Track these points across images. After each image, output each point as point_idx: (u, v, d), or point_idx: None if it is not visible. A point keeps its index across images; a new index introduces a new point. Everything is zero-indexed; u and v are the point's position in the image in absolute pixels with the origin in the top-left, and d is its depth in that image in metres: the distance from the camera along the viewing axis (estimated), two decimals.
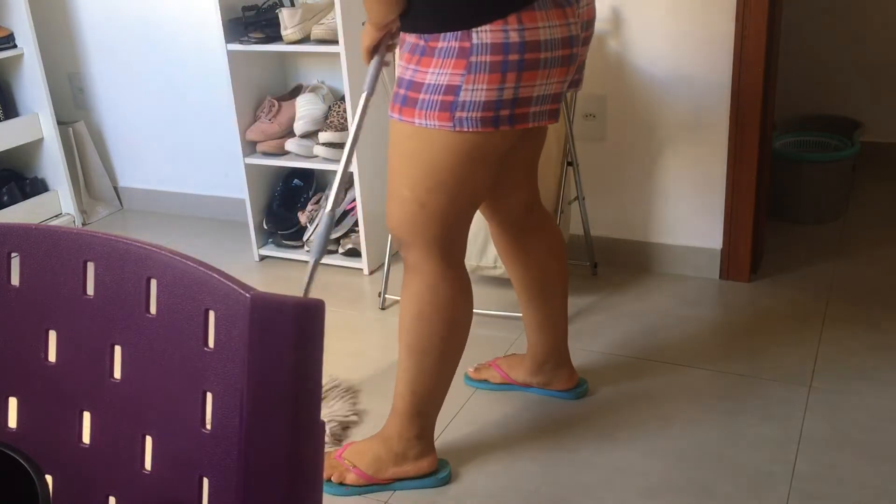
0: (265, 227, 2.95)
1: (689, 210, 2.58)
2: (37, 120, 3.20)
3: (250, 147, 2.85)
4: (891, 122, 3.38)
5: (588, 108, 2.59)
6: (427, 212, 1.61)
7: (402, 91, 1.54)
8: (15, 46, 3.12)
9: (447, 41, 1.46)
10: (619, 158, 2.62)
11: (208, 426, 0.73)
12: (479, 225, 2.33)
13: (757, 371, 2.12)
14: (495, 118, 1.49)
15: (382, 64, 1.74)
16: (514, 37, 1.45)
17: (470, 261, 2.39)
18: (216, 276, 0.72)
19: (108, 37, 3.28)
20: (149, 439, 0.78)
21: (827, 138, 3.08)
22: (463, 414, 2.04)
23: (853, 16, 3.33)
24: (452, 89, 1.47)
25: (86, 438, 0.82)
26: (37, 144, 3.24)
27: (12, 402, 0.86)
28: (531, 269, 1.91)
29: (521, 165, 1.80)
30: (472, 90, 1.46)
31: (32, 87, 3.17)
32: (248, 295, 0.69)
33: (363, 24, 2.26)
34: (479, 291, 2.61)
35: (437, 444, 1.93)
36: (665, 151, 2.55)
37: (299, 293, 0.69)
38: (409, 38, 1.53)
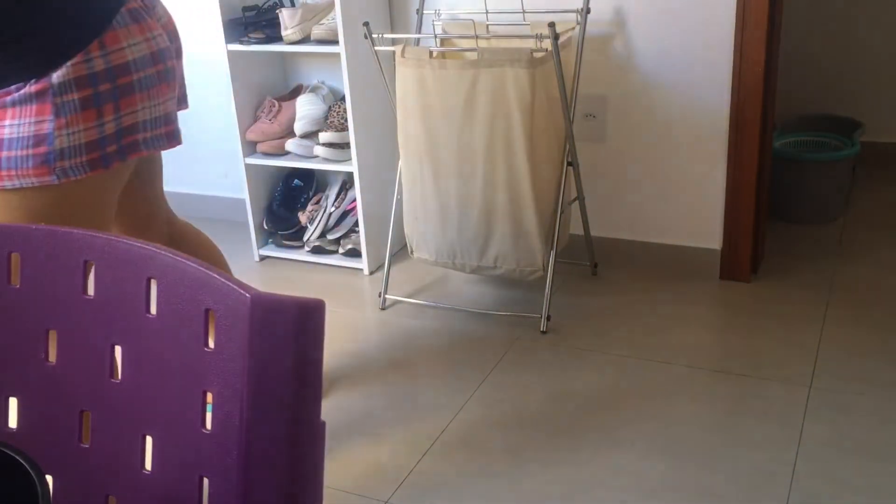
0: (265, 227, 2.95)
1: (689, 210, 2.58)
2: None
3: (250, 147, 2.85)
4: (891, 122, 3.38)
5: (588, 108, 2.59)
6: None
7: None
8: None
9: (19, 90, 1.29)
10: (619, 158, 2.62)
11: (208, 426, 0.73)
12: (479, 225, 2.33)
13: (757, 371, 2.12)
14: (104, 157, 1.35)
15: None
16: (99, 64, 1.31)
17: (470, 261, 2.39)
18: (216, 276, 0.72)
19: None
20: (149, 439, 0.78)
21: (827, 138, 3.08)
22: (463, 413, 2.04)
23: (853, 16, 3.33)
24: (42, 139, 1.30)
25: (86, 438, 0.82)
26: None
27: (12, 402, 0.86)
28: None
29: (154, 189, 1.73)
30: (69, 134, 1.31)
31: None
32: (248, 295, 0.69)
33: (364, 23, 2.27)
34: (479, 291, 2.62)
35: (437, 443, 1.94)
36: (665, 151, 2.55)
37: (299, 293, 0.69)
38: None
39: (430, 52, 2.23)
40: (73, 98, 1.30)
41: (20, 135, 1.30)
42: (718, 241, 2.57)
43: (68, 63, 1.29)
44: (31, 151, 1.31)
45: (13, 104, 1.30)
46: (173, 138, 1.48)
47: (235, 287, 0.70)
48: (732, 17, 2.34)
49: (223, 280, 0.71)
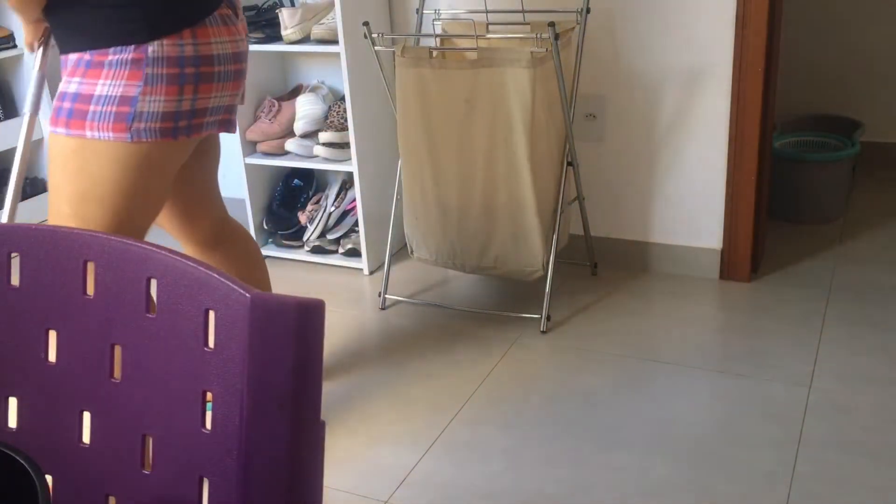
0: (265, 227, 2.95)
1: (689, 210, 2.58)
2: (37, 120, 3.20)
3: (250, 147, 2.85)
4: (891, 122, 3.38)
5: (588, 108, 2.59)
6: (90, 227, 1.54)
7: (66, 104, 1.51)
8: (15, 47, 3.12)
9: (117, 54, 1.47)
10: (619, 158, 2.62)
11: (208, 426, 0.73)
12: (479, 225, 2.33)
13: (757, 371, 2.12)
14: (174, 129, 1.53)
15: (45, 64, 1.71)
16: (189, 51, 1.50)
17: (470, 261, 2.39)
18: (216, 276, 0.72)
19: None
20: (149, 439, 0.78)
21: (827, 138, 3.08)
22: (463, 413, 2.04)
23: (853, 16, 3.33)
24: (128, 100, 1.48)
25: (86, 438, 0.82)
26: (37, 144, 3.24)
27: (12, 402, 0.86)
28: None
29: (207, 179, 1.85)
30: (151, 101, 1.49)
31: None
32: (248, 295, 0.69)
33: (364, 23, 2.27)
34: (479, 291, 2.62)
35: (437, 443, 1.94)
36: (665, 151, 2.55)
37: (299, 293, 0.69)
38: (72, 55, 1.52)
39: (430, 52, 2.23)
40: (162, 72, 1.48)
41: (110, 93, 1.48)
42: (718, 241, 2.57)
43: (164, 42, 1.47)
44: (115, 108, 1.48)
45: (109, 66, 1.48)
46: (229, 125, 1.66)
47: (235, 287, 0.70)
48: (732, 17, 2.34)
49: (223, 280, 0.71)
